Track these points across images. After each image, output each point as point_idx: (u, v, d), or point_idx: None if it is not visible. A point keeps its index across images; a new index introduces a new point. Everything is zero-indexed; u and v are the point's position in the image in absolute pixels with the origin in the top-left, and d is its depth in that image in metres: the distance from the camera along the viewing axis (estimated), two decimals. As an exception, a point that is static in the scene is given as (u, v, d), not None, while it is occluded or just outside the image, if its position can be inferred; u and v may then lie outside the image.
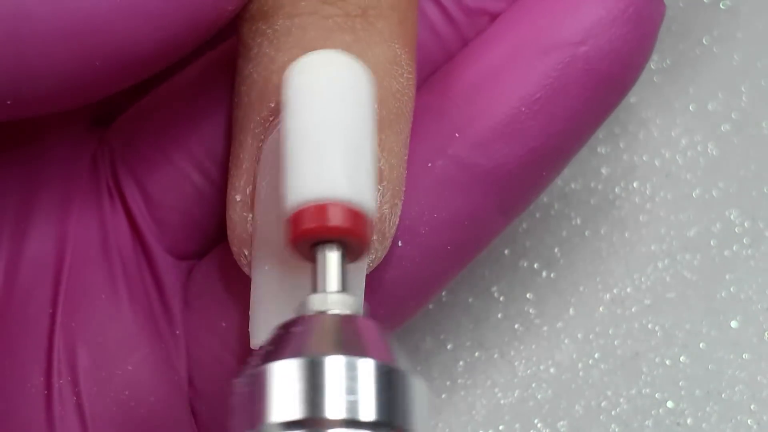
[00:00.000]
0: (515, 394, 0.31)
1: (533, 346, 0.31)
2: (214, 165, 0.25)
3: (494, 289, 0.32)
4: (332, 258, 0.20)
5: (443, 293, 0.31)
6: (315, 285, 0.20)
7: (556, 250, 0.32)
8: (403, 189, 0.24)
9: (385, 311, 0.25)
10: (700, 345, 0.31)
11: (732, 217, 0.32)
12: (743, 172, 0.32)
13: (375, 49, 0.23)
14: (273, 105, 0.22)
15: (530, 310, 0.31)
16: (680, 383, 0.31)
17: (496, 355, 0.31)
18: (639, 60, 0.25)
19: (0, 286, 0.24)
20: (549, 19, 0.24)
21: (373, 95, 0.22)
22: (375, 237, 0.23)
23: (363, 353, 0.19)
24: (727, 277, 0.32)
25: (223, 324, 0.24)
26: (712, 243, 0.32)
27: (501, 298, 0.31)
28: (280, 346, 0.19)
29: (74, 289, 0.24)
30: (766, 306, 0.31)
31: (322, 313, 0.20)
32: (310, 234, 0.20)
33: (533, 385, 0.31)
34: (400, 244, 0.24)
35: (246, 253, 0.23)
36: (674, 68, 0.33)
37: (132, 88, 0.25)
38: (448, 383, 0.31)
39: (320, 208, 0.20)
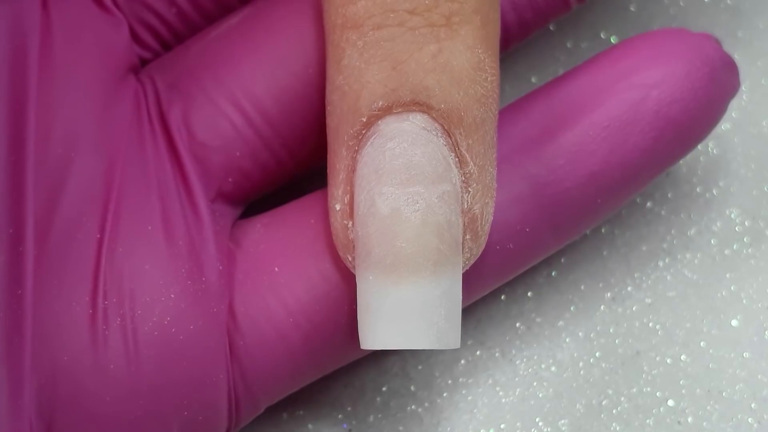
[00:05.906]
0: (516, 393, 0.31)
1: (534, 345, 0.31)
2: (253, 107, 0.26)
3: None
4: None
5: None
6: None
7: (556, 249, 0.32)
8: (495, 187, 0.25)
9: None
10: (701, 344, 0.31)
11: (732, 216, 0.32)
12: (743, 171, 0.32)
13: (459, 58, 0.24)
14: (365, 120, 0.24)
15: (531, 309, 0.31)
16: (681, 382, 0.31)
17: (497, 354, 0.31)
18: (706, 118, 0.27)
19: (44, 211, 0.25)
20: (635, 60, 0.27)
21: None
22: (468, 236, 0.24)
23: None
24: (727, 275, 0.32)
25: (276, 269, 0.26)
26: (712, 242, 0.32)
27: (502, 297, 0.31)
28: None
29: (120, 221, 0.26)
30: (767, 305, 0.31)
31: None
32: None
33: (534, 383, 0.31)
34: None
35: (350, 258, 0.25)
36: (674, 68, 0.33)
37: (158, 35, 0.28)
38: (449, 382, 0.31)
39: None
